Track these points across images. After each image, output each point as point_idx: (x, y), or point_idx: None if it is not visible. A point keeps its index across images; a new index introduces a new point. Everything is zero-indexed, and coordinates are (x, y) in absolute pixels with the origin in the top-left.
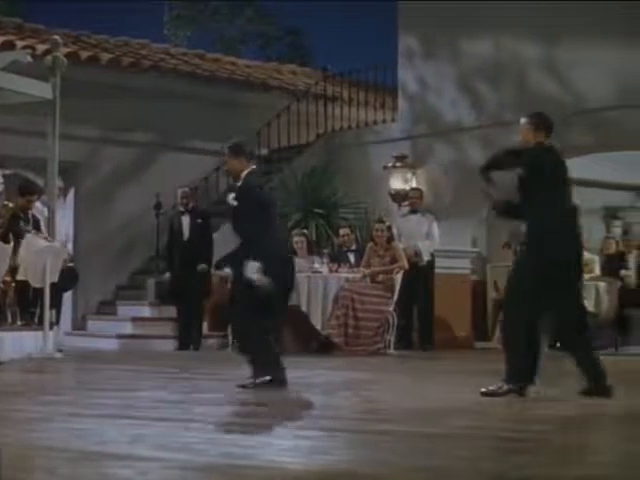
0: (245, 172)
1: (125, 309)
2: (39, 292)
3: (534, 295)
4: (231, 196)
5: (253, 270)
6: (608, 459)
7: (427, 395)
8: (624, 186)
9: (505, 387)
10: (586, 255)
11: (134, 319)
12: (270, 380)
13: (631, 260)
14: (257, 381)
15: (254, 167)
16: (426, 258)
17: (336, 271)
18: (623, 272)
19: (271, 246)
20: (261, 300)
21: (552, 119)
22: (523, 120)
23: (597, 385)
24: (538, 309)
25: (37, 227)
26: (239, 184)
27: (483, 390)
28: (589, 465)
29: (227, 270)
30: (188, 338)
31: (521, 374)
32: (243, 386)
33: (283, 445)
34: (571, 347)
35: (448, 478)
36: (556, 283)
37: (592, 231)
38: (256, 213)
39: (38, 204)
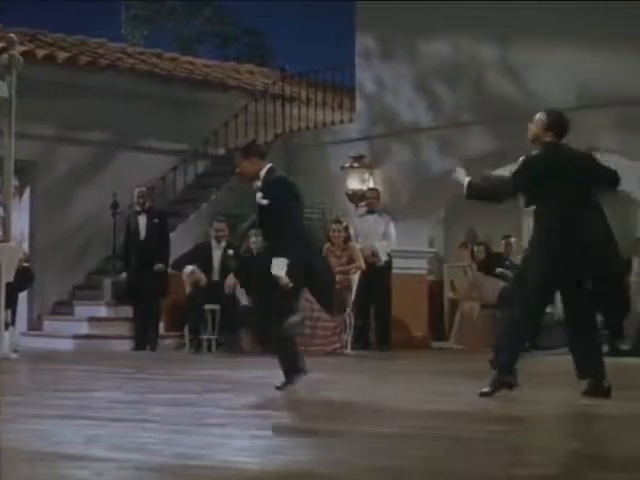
0: (264, 170)
1: (81, 309)
2: None
3: (537, 295)
4: (259, 195)
5: (281, 267)
6: (560, 459)
7: (384, 395)
8: None
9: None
10: None
11: (90, 319)
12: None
13: None
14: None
15: (271, 165)
16: (383, 258)
17: None
18: None
19: (301, 241)
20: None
21: (568, 122)
22: (538, 115)
23: (597, 384)
24: (541, 308)
25: None
26: (261, 183)
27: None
28: (542, 465)
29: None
30: (144, 338)
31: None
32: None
33: (239, 445)
34: (576, 345)
35: (404, 478)
36: (556, 283)
37: None
38: (288, 206)
39: None
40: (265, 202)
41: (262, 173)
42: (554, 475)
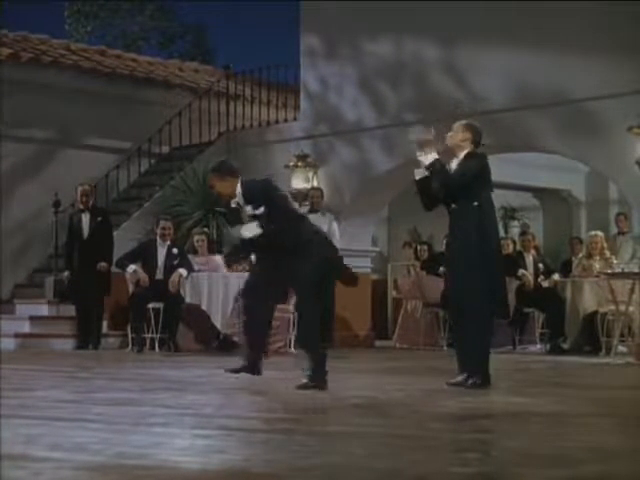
0: (239, 187)
1: (23, 308)
2: None
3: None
4: (248, 208)
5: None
6: (497, 457)
7: (325, 393)
8: (521, 187)
9: (472, 380)
10: None
11: (32, 318)
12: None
13: (528, 260)
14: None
15: (241, 178)
16: None
17: (236, 270)
18: (521, 272)
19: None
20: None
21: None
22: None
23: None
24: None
25: None
26: (241, 197)
27: (449, 382)
28: (479, 463)
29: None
30: (87, 337)
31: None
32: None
33: (180, 445)
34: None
35: (343, 476)
36: None
37: None
38: (283, 209)
39: None
40: (261, 211)
41: (238, 190)
42: (491, 473)
